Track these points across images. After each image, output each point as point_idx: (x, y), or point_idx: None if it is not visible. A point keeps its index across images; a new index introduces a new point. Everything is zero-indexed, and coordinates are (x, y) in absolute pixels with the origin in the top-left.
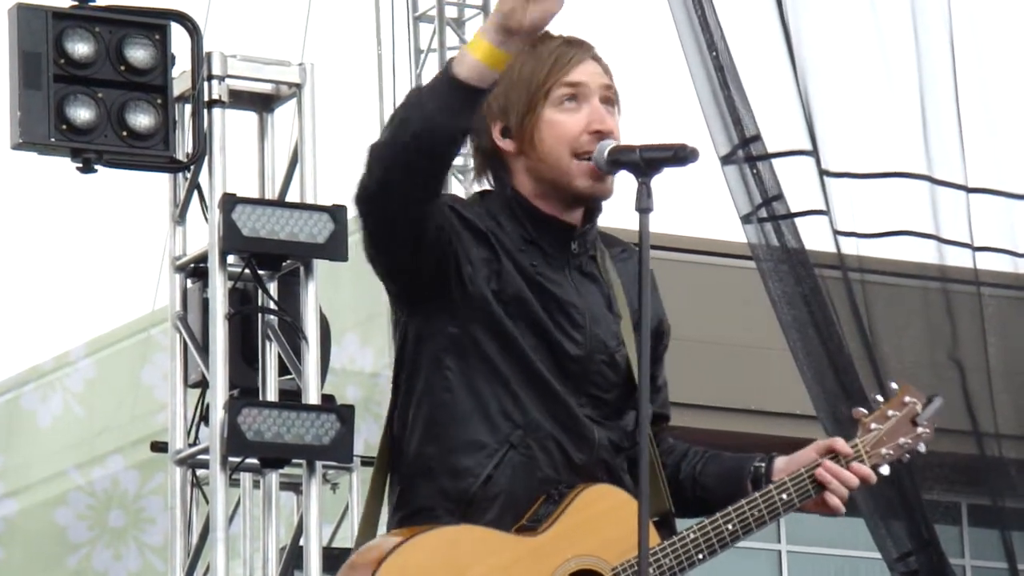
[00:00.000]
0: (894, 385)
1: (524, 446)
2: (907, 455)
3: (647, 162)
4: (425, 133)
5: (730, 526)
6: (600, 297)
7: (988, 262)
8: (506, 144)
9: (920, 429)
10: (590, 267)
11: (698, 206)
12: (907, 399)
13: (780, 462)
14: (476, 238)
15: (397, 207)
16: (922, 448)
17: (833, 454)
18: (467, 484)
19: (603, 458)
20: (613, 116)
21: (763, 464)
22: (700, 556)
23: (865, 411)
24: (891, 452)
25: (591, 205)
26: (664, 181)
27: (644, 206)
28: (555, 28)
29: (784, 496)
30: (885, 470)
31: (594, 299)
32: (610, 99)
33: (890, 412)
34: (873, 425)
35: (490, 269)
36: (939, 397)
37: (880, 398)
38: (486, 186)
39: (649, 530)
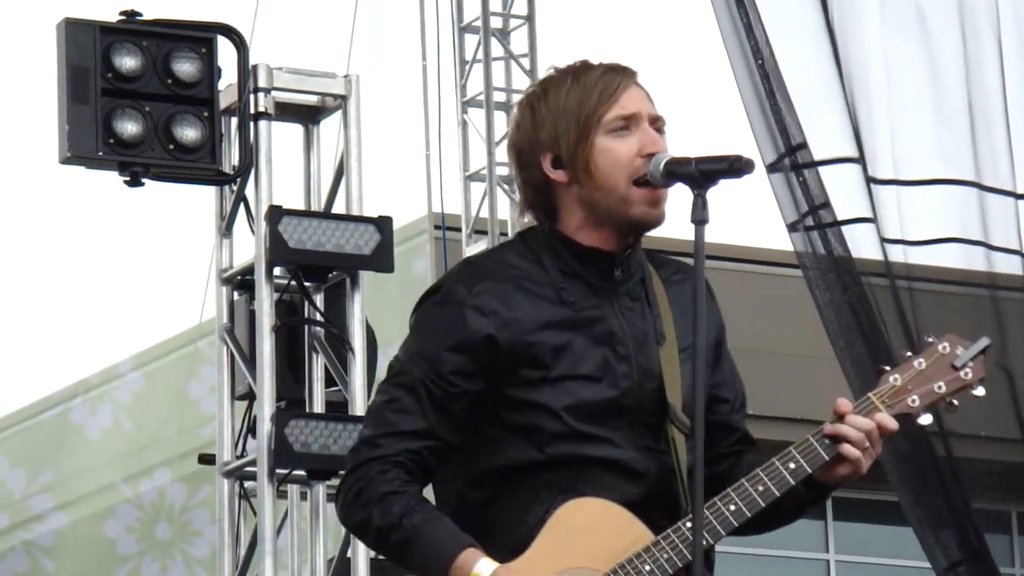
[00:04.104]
0: (930, 339)
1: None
2: (953, 400)
3: (703, 174)
4: (388, 556)
5: (731, 506)
6: (648, 321)
7: None
8: (557, 175)
9: (963, 372)
10: (639, 291)
11: (744, 215)
12: (943, 345)
13: None
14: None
15: None
16: (979, 391)
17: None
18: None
19: (658, 487)
20: (663, 140)
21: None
22: (703, 542)
23: (888, 367)
24: (919, 399)
25: (645, 231)
26: (713, 191)
27: (700, 218)
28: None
29: (791, 464)
30: (926, 419)
31: (641, 325)
32: (660, 127)
33: (916, 361)
34: (893, 377)
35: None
36: (986, 339)
37: (909, 353)
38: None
39: (644, 530)
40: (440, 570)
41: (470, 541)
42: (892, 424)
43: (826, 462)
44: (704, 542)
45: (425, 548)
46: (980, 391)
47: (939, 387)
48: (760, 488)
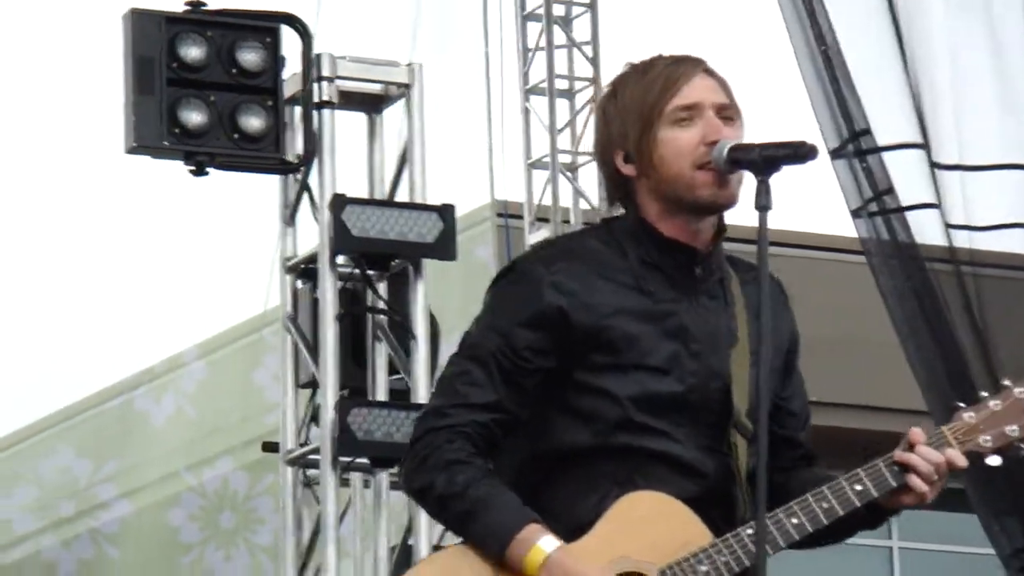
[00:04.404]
0: (1007, 382)
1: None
2: (1022, 444)
3: (766, 160)
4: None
5: (794, 519)
6: (723, 321)
7: None
8: (628, 169)
9: None
10: (717, 290)
11: (809, 200)
12: (1019, 390)
13: None
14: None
15: None
16: None
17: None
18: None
19: (716, 486)
20: (732, 128)
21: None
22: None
23: (964, 408)
24: (991, 440)
25: (717, 213)
26: (777, 177)
27: (763, 204)
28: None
29: (857, 487)
30: (994, 460)
31: (715, 324)
32: (729, 115)
33: (992, 402)
34: (967, 415)
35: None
36: None
37: (985, 394)
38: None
39: (704, 530)
40: (501, 542)
41: (535, 516)
42: (962, 462)
43: (892, 488)
44: (766, 552)
45: (488, 519)
46: None
47: (1012, 430)
48: (825, 505)
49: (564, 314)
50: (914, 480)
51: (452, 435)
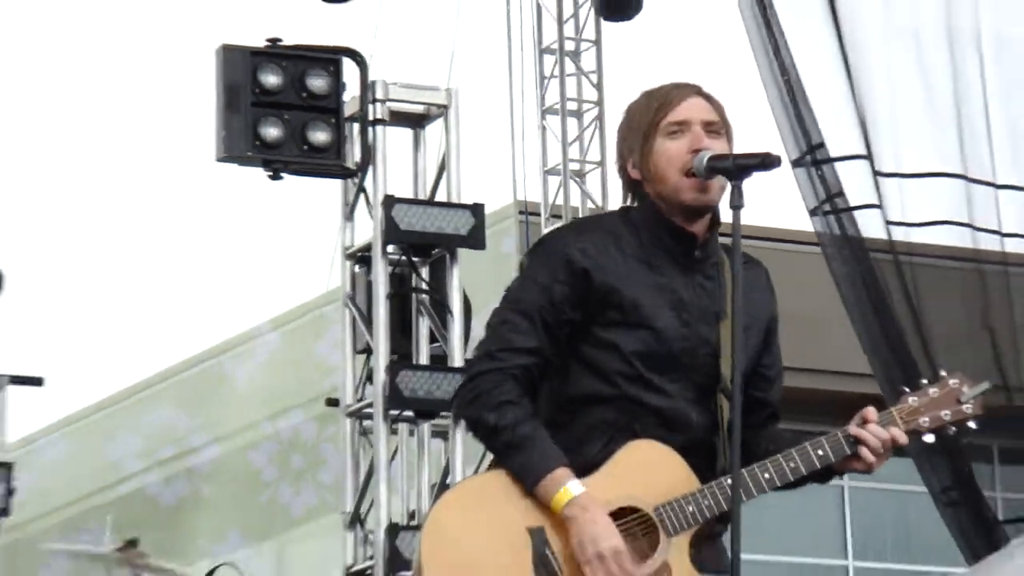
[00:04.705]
0: (943, 373)
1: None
2: (952, 428)
3: (739, 167)
4: (494, 451)
5: (766, 474)
6: (714, 298)
7: (1014, 246)
8: (636, 174)
9: (964, 407)
10: (712, 272)
11: (773, 201)
12: (952, 381)
13: None
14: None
15: None
16: (972, 425)
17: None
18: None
19: (700, 437)
20: (717, 141)
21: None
22: (740, 498)
23: (908, 389)
24: (929, 421)
25: (702, 213)
26: (748, 182)
27: (737, 203)
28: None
29: (819, 452)
30: (929, 438)
31: (707, 300)
32: (714, 130)
33: (931, 390)
34: (911, 399)
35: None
36: (987, 383)
37: (926, 382)
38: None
39: (691, 477)
40: (536, 477)
41: (567, 462)
42: (904, 439)
43: (846, 456)
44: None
45: (528, 455)
46: (974, 424)
47: (945, 415)
48: (791, 465)
49: (587, 274)
50: (865, 452)
51: (501, 377)
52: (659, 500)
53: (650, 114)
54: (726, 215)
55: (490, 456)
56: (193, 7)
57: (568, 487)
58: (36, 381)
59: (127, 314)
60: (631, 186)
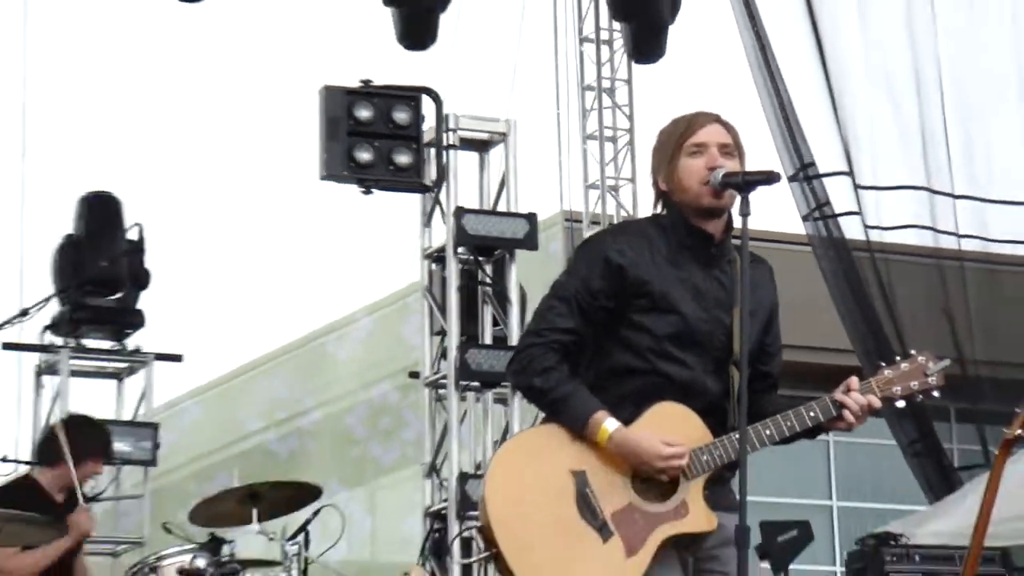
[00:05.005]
0: (913, 352)
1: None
2: (919, 395)
3: (746, 182)
4: (545, 412)
5: (767, 431)
6: (727, 290)
7: (969, 246)
8: (663, 185)
9: (930, 379)
10: (726, 268)
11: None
12: (920, 358)
13: None
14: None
15: None
16: (935, 394)
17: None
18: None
19: (714, 402)
20: (730, 160)
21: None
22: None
23: (885, 366)
24: (900, 390)
25: (718, 215)
26: (754, 194)
27: (745, 211)
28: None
29: (811, 414)
30: (900, 404)
31: (721, 291)
32: (728, 151)
33: (903, 364)
34: (887, 372)
35: (639, 281)
36: (948, 359)
37: (899, 358)
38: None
39: (707, 432)
40: (582, 421)
41: (603, 407)
42: (878, 405)
43: (832, 417)
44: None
45: (573, 406)
46: (937, 393)
47: (913, 385)
48: (788, 424)
49: (622, 269)
50: (847, 415)
51: (546, 349)
52: None
53: (675, 137)
54: (737, 223)
55: (541, 417)
56: (301, 53)
57: (607, 424)
58: (176, 358)
59: (250, 302)
60: (660, 196)
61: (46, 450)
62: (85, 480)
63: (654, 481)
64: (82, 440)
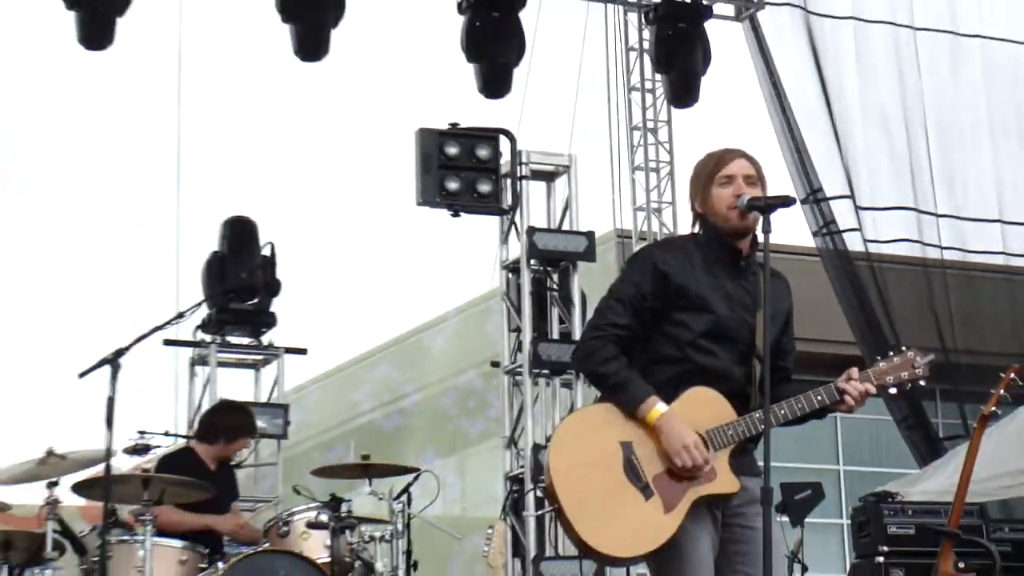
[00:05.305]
0: (903, 348)
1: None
2: (909, 384)
3: (767, 206)
4: (605, 393)
5: (782, 411)
6: (752, 296)
7: (950, 256)
8: (699, 209)
9: (917, 370)
10: (751, 278)
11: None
12: (910, 353)
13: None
14: (673, 275)
15: None
16: (922, 383)
17: (850, 378)
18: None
19: (739, 388)
20: (754, 188)
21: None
22: (761, 427)
23: (880, 359)
24: (892, 379)
25: (745, 234)
26: (775, 215)
27: (766, 229)
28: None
29: (818, 398)
30: (892, 391)
31: (748, 297)
32: (752, 180)
33: (896, 358)
34: (882, 364)
35: (683, 286)
36: (932, 355)
37: (891, 353)
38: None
39: (732, 411)
40: (635, 403)
41: (654, 392)
42: (873, 392)
43: (835, 400)
44: (762, 427)
45: (628, 391)
46: (923, 382)
47: (903, 375)
48: (799, 405)
49: (667, 276)
50: (848, 399)
51: (604, 341)
52: (709, 426)
53: (708, 169)
54: (760, 239)
55: (597, 396)
56: (402, 102)
57: (658, 407)
58: (302, 351)
59: (361, 305)
60: (697, 217)
61: (204, 428)
62: (234, 453)
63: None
64: (233, 421)
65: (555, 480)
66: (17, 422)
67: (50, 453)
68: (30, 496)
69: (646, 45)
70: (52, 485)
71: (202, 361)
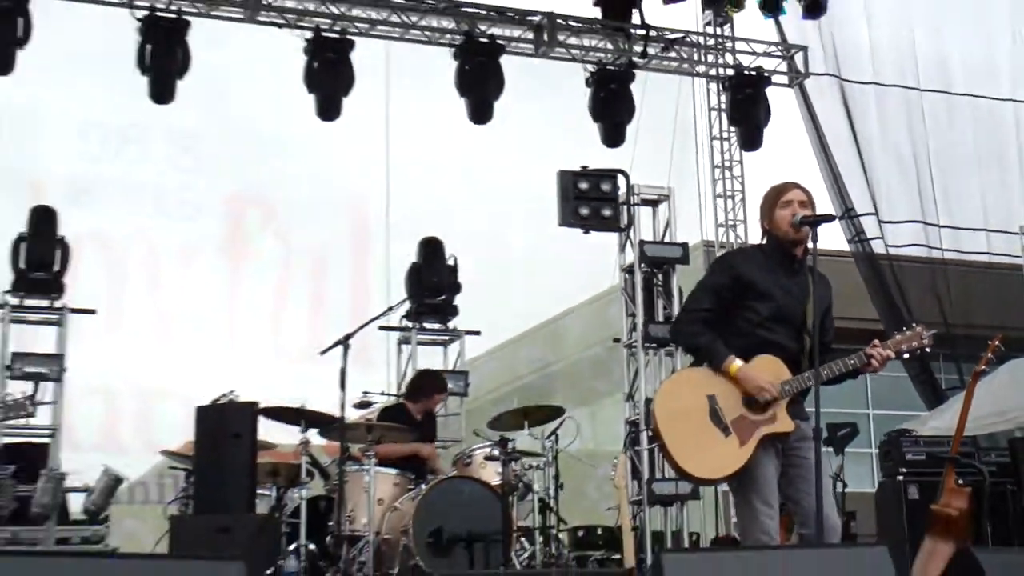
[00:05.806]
0: (915, 324)
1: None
2: (919, 350)
3: (815, 222)
4: (697, 358)
5: (825, 372)
6: (803, 291)
7: (950, 256)
8: (766, 226)
9: (924, 341)
10: (803, 278)
11: (832, 236)
12: (918, 328)
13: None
14: (746, 275)
15: None
16: (928, 349)
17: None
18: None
19: (793, 356)
20: (806, 210)
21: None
22: (810, 384)
23: (897, 333)
24: (906, 347)
25: (799, 244)
26: (821, 228)
27: (814, 239)
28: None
29: (852, 361)
30: (907, 355)
31: (800, 292)
32: (805, 204)
33: (908, 332)
34: (898, 336)
35: (753, 280)
36: (935, 330)
37: (906, 328)
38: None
39: (788, 373)
40: (720, 361)
41: (734, 354)
42: (893, 357)
43: (864, 364)
44: (810, 384)
45: (715, 352)
46: (928, 350)
47: (914, 344)
48: (837, 367)
49: (740, 274)
50: (873, 363)
51: (694, 319)
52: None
53: (772, 196)
54: (810, 246)
55: (689, 362)
56: (546, 151)
57: (737, 362)
58: (476, 333)
59: (521, 298)
60: (764, 232)
61: (411, 389)
62: (433, 406)
63: (756, 402)
64: (432, 383)
65: (660, 423)
66: (279, 389)
67: (302, 408)
68: (290, 437)
69: (723, 105)
70: (305, 429)
71: (406, 341)
